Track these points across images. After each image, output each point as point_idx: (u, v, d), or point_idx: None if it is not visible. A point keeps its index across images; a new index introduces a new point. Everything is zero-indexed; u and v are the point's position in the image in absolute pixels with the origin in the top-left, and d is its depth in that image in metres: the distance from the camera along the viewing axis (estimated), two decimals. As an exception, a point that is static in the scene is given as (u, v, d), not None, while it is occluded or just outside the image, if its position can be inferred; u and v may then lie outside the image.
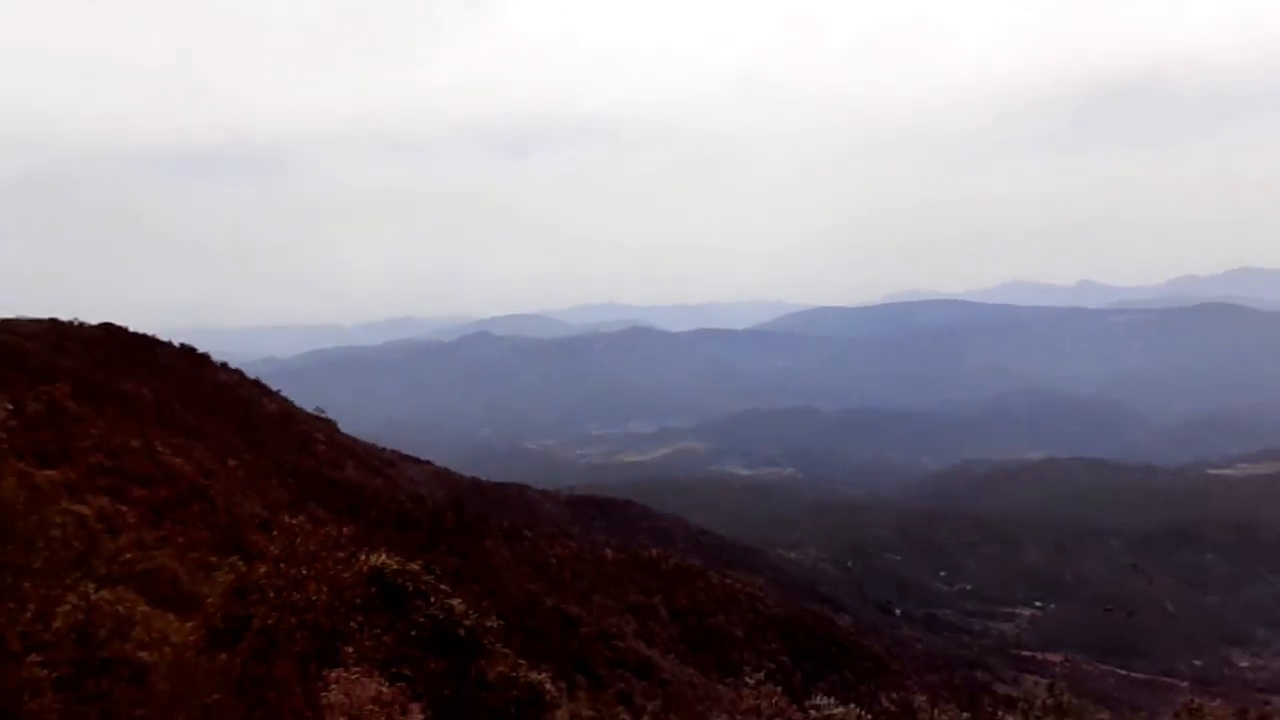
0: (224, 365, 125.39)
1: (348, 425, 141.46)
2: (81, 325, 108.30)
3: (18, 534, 7.03)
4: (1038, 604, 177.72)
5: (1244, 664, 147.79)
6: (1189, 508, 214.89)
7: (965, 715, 8.33)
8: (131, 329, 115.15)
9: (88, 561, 8.24)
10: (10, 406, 7.22)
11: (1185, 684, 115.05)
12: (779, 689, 9.54)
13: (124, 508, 33.38)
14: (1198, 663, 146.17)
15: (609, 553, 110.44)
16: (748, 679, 9.37)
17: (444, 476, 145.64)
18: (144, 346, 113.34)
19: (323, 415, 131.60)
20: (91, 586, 7.95)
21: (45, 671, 7.15)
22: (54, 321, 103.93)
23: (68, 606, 7.70)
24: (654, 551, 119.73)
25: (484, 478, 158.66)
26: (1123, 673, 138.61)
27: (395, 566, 10.45)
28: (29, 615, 7.42)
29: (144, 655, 8.61)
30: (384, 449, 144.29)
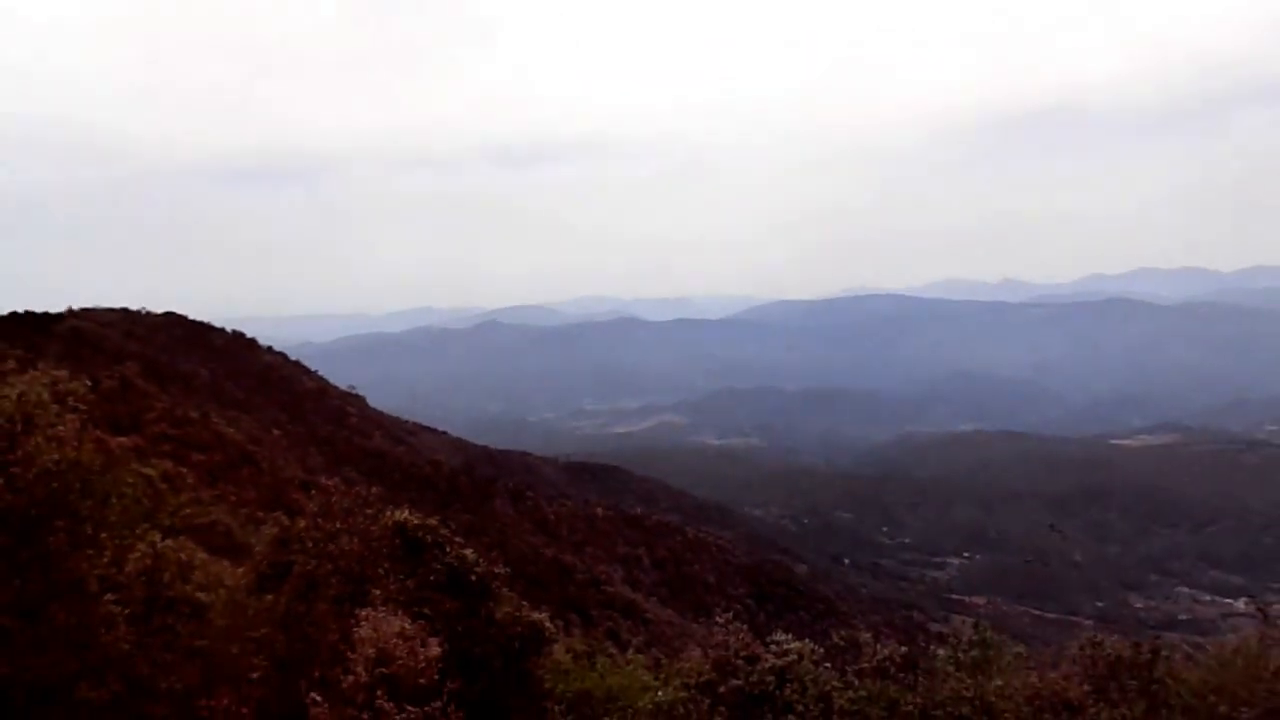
0: (269, 348, 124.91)
1: (375, 400, 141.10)
2: (148, 313, 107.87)
3: (96, 492, 7.10)
4: (966, 555, 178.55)
5: (1139, 606, 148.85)
6: (1096, 473, 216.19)
7: (903, 649, 8.49)
8: (191, 317, 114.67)
9: (154, 516, 8.31)
10: (89, 383, 7.24)
11: (1089, 622, 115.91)
12: (745, 627, 9.65)
13: (184, 470, 33.34)
14: (1100, 605, 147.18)
15: (600, 511, 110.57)
16: (718, 618, 9.46)
17: (458, 445, 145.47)
18: (201, 332, 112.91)
19: (353, 392, 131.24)
20: (158, 537, 8.04)
21: (119, 609, 7.23)
22: (125, 310, 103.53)
23: (138, 554, 7.78)
24: (639, 510, 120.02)
25: (492, 446, 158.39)
26: (1036, 613, 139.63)
27: (416, 521, 10.52)
28: (105, 560, 7.49)
29: (202, 595, 8.69)
30: (406, 421, 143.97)
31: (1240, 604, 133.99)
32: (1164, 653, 6.63)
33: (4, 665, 6.44)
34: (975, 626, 9.20)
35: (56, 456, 6.87)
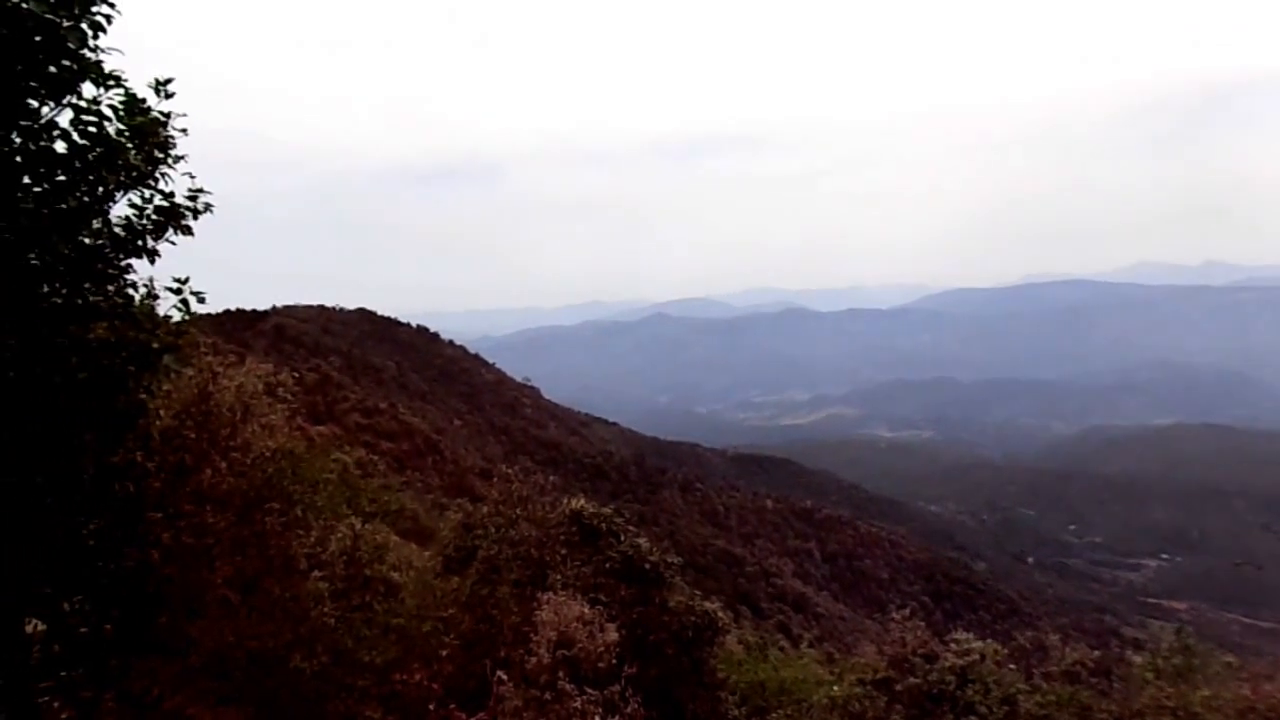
0: (450, 342, 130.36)
1: (549, 392, 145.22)
2: (342, 310, 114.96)
3: (304, 478, 7.69)
4: (1164, 556, 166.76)
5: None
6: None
7: (1095, 653, 8.00)
8: (379, 312, 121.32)
9: (353, 501, 8.96)
10: (295, 375, 7.88)
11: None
12: (922, 624, 9.39)
13: (375, 457, 35.44)
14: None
15: (769, 503, 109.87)
16: (894, 615, 9.24)
17: (628, 436, 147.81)
18: (388, 326, 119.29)
19: (529, 384, 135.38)
20: (357, 520, 8.61)
21: (325, 585, 7.80)
22: (321, 307, 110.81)
23: (340, 535, 8.36)
24: (809, 503, 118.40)
25: (662, 437, 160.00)
26: (1247, 621, 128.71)
27: (591, 509, 10.77)
28: (312, 541, 8.09)
29: (396, 575, 9.23)
30: (579, 412, 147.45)
31: None
32: (1400, 668, 6.01)
33: (229, 634, 7.05)
34: (1177, 632, 8.60)
35: (271, 444, 7.48)
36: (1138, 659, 8.49)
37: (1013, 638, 9.63)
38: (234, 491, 7.22)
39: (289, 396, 8.16)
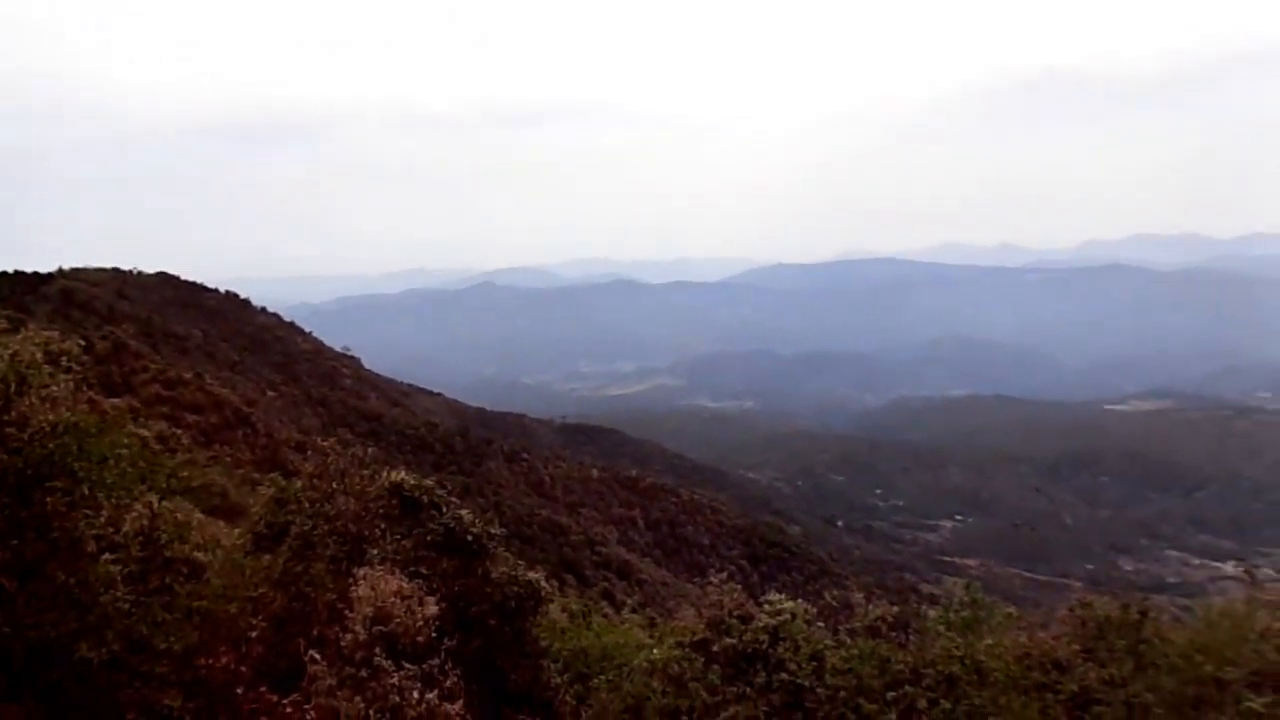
0: (263, 309, 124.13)
1: (370, 362, 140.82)
2: (140, 274, 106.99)
3: (93, 453, 7.11)
4: (958, 518, 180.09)
5: (1129, 568, 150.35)
6: (1088, 438, 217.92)
7: (895, 609, 8.56)
8: (184, 277, 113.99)
9: (151, 477, 8.34)
10: (82, 343, 7.17)
11: (1079, 584, 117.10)
12: (739, 587, 9.73)
13: (179, 431, 33.37)
14: (1090, 567, 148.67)
15: (595, 472, 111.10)
16: (712, 579, 9.52)
17: (453, 407, 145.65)
18: (194, 292, 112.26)
19: (349, 353, 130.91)
20: (154, 498, 8.06)
21: (117, 568, 7.26)
22: (116, 270, 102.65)
23: (135, 514, 7.80)
24: (634, 472, 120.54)
25: (488, 408, 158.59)
26: (1028, 575, 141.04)
27: (412, 482, 10.54)
28: (103, 521, 7.52)
29: (199, 555, 8.72)
30: (401, 383, 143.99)
31: (1228, 567, 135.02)
32: (1152, 614, 6.73)
33: (3, 623, 6.48)
34: (966, 587, 9.30)
35: (52, 418, 6.87)
36: (932, 613, 9.13)
37: (822, 597, 10.13)
38: (8, 470, 6.60)
39: (75, 366, 7.52)
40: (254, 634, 8.84)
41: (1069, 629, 7.66)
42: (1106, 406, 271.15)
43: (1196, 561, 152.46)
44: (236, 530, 11.19)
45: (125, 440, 7.68)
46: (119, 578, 7.21)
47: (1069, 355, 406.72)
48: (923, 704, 6.68)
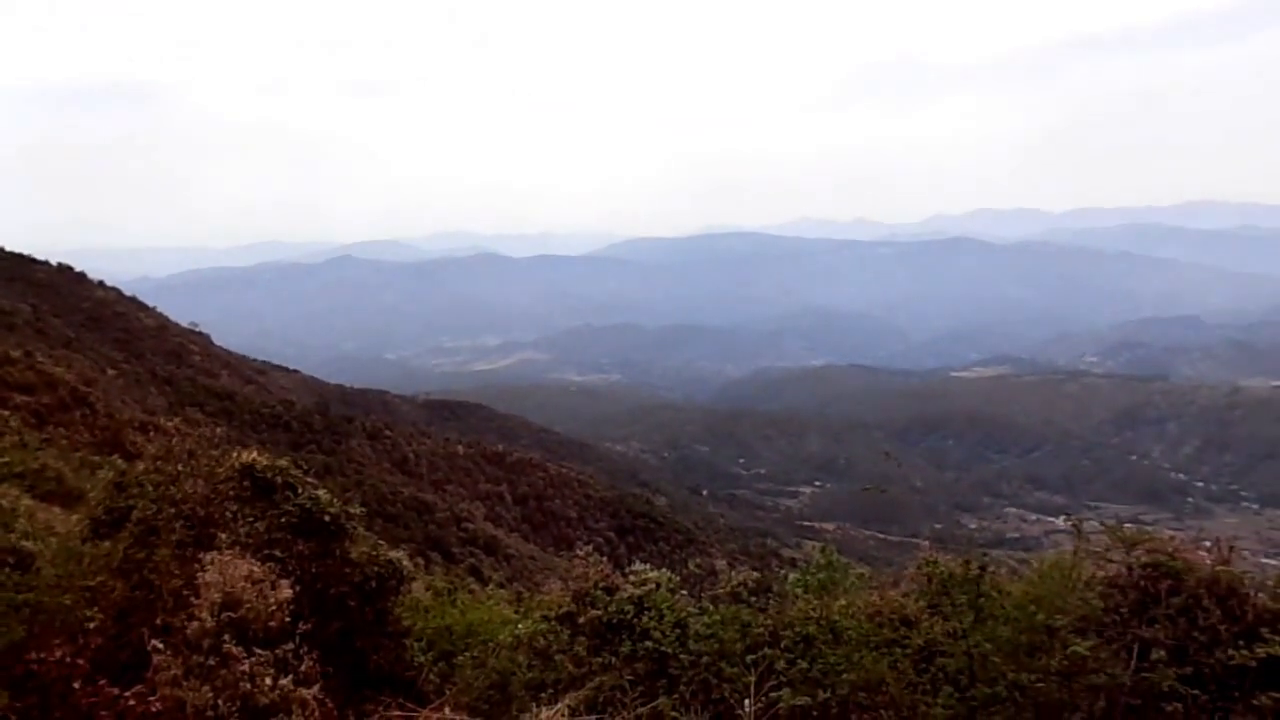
0: (100, 283, 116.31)
1: (221, 338, 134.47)
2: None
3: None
4: (817, 483, 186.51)
5: (973, 526, 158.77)
6: (935, 404, 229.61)
7: (756, 574, 8.82)
8: (8, 249, 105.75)
9: (-30, 463, 7.69)
10: (-116, 320, 6.50)
11: (926, 542, 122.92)
12: (605, 559, 9.77)
13: (6, 413, 30.99)
14: (938, 526, 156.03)
15: (460, 448, 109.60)
16: (579, 552, 9.53)
17: (311, 384, 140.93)
18: (22, 264, 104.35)
19: (197, 329, 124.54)
20: (-25, 485, 7.46)
21: (-68, 563, 6.71)
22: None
23: (-48, 503, 7.22)
24: (500, 447, 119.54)
25: (348, 385, 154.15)
26: (881, 536, 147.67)
27: (265, 462, 10.09)
28: (-87, 512, 6.93)
29: (28, 544, 8.16)
30: (255, 360, 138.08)
31: (1060, 521, 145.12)
32: (990, 569, 7.14)
33: None
34: (822, 551, 9.64)
35: None
36: (791, 576, 9.42)
37: (687, 565, 10.30)
38: None
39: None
40: (92, 625, 8.33)
41: (916, 586, 8.06)
42: (952, 374, 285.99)
43: (1033, 517, 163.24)
44: (74, 517, 10.50)
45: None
46: (-66, 573, 6.66)
47: (917, 325, 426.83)
48: (781, 664, 6.89)
